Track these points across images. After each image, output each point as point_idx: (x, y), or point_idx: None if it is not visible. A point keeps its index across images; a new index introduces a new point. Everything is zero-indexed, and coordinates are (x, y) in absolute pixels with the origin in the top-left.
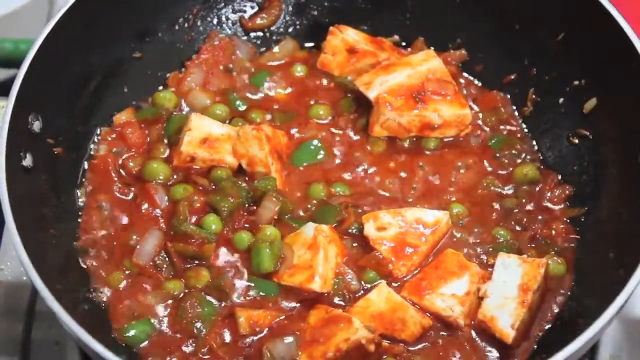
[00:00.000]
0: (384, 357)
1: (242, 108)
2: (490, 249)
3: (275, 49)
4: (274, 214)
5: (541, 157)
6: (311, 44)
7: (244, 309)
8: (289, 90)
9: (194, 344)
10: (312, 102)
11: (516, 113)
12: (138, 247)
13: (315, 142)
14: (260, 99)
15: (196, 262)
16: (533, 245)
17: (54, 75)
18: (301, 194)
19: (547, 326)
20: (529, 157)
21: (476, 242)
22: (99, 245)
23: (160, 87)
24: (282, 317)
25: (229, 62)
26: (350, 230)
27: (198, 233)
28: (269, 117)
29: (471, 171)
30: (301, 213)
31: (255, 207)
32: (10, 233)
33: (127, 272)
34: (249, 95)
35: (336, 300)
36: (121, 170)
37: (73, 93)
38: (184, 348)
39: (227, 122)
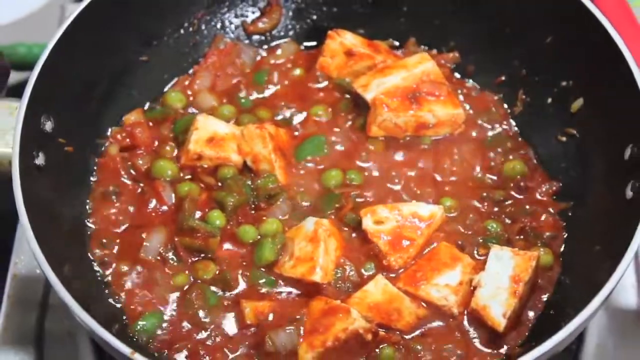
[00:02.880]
0: (383, 345)
1: (248, 107)
2: (481, 240)
3: (278, 51)
4: (285, 214)
5: (531, 154)
6: (313, 43)
7: (249, 300)
8: (289, 89)
9: (200, 334)
10: (311, 102)
11: (508, 112)
12: (145, 243)
13: (319, 137)
14: (264, 97)
15: (202, 255)
16: (522, 237)
17: (65, 78)
18: (306, 188)
19: (537, 315)
20: (518, 153)
21: (467, 234)
22: (109, 239)
23: (167, 89)
24: (285, 308)
25: (235, 65)
26: (347, 220)
27: (203, 228)
28: (273, 115)
29: (465, 167)
30: (305, 204)
31: (259, 204)
32: (24, 228)
33: (136, 266)
34: (253, 94)
35: (335, 291)
36: (130, 168)
37: (83, 94)
38: (191, 337)
39: (234, 121)
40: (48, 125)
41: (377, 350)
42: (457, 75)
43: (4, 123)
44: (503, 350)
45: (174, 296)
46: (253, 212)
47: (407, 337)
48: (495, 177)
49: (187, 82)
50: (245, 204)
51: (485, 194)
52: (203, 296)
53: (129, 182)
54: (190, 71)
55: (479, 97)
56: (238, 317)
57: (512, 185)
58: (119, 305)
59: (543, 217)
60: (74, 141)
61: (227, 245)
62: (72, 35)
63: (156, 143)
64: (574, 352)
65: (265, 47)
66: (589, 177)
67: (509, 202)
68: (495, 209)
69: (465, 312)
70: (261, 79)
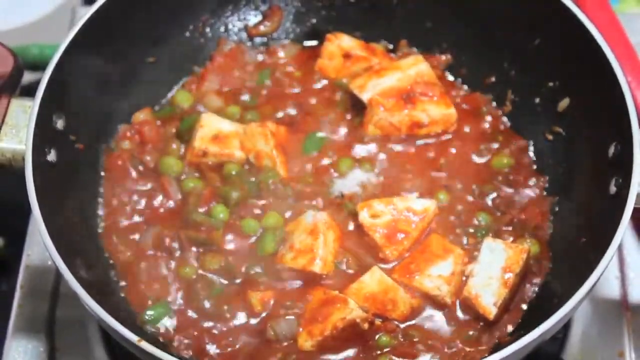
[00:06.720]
0: (379, 334)
1: (251, 106)
2: (471, 231)
3: (280, 53)
4: (287, 207)
5: (519, 150)
6: (313, 43)
7: (254, 290)
8: (290, 89)
9: (206, 323)
10: (311, 102)
11: (497, 111)
12: (153, 236)
13: (318, 134)
14: (266, 97)
15: (207, 247)
16: (510, 229)
17: (76, 78)
18: (305, 181)
19: (525, 305)
20: (508, 149)
21: (458, 225)
22: (118, 232)
23: (174, 89)
24: (285, 298)
25: (239, 66)
26: (344, 208)
27: (207, 221)
28: (275, 113)
29: (457, 162)
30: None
31: (261, 197)
32: (36, 221)
33: (144, 257)
34: (256, 94)
35: (334, 281)
36: (138, 165)
37: (93, 94)
38: (197, 326)
39: (238, 119)
40: (59, 124)
41: (375, 338)
42: (450, 76)
43: (18, 120)
44: (494, 338)
45: (180, 287)
46: (255, 206)
47: (402, 325)
48: (485, 172)
49: (195, 83)
50: (248, 198)
51: (475, 187)
52: (209, 287)
53: (137, 178)
54: (197, 71)
55: (470, 97)
56: (243, 306)
57: (501, 179)
58: (127, 295)
59: (531, 210)
60: (85, 138)
61: (230, 238)
62: (83, 37)
63: (163, 137)
64: (560, 340)
65: (267, 48)
66: (574, 173)
67: (499, 195)
68: (485, 202)
69: (458, 301)
70: (264, 79)
